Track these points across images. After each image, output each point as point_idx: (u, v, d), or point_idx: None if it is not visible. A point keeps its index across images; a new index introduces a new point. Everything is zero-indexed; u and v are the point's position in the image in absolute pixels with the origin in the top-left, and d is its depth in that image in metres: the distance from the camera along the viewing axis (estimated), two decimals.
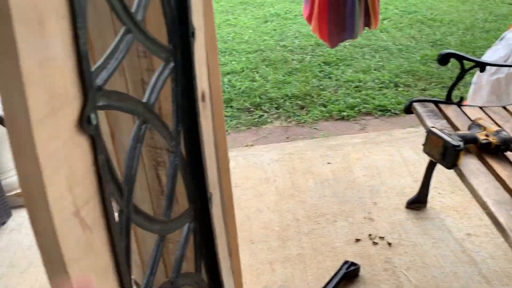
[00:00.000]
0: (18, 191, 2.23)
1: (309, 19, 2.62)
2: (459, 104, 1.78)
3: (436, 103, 1.76)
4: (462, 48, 3.79)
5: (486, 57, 2.34)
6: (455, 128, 1.57)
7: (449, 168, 1.36)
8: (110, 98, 0.52)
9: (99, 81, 0.50)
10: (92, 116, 0.46)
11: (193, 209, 0.83)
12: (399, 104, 3.03)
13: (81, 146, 0.46)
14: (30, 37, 0.38)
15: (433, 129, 1.39)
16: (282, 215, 2.05)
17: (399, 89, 3.25)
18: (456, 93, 3.07)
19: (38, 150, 0.40)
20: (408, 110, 1.77)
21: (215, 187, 0.92)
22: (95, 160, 0.48)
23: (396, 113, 2.96)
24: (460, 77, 1.73)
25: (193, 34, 0.73)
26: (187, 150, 0.80)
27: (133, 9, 0.58)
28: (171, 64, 0.71)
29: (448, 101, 1.77)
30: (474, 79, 2.43)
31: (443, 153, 1.34)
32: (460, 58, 1.70)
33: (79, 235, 0.47)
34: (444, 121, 1.62)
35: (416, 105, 1.73)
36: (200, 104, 0.81)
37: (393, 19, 4.69)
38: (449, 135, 1.36)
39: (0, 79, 0.38)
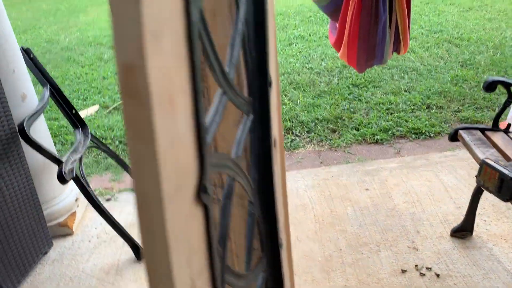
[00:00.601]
0: (59, 220, 2.26)
1: (337, 45, 2.61)
2: (507, 131, 1.74)
3: (482, 130, 1.72)
4: (493, 67, 3.74)
5: None
6: (507, 157, 1.54)
7: (506, 201, 1.32)
8: (212, 162, 0.52)
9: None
10: (208, 185, 0.46)
11: (265, 257, 0.82)
12: (433, 127, 2.99)
13: (197, 217, 0.46)
14: (164, 117, 0.38)
15: (488, 161, 1.36)
16: (323, 244, 2.02)
17: (432, 111, 3.21)
18: (491, 114, 3.02)
19: (167, 226, 0.40)
20: (454, 137, 1.74)
21: (283, 232, 0.91)
22: (207, 229, 0.48)
23: (430, 136, 2.91)
24: (507, 104, 1.70)
25: (270, 84, 0.74)
26: (260, 198, 0.80)
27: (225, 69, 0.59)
28: (251, 116, 0.71)
29: (495, 128, 1.73)
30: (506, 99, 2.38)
31: (500, 186, 1.31)
32: (507, 86, 1.67)
33: None
34: (494, 150, 1.59)
35: (462, 133, 1.70)
36: (273, 150, 0.81)
37: (419, 38, 4.67)
38: (505, 167, 1.32)
39: (134, 161, 0.38)
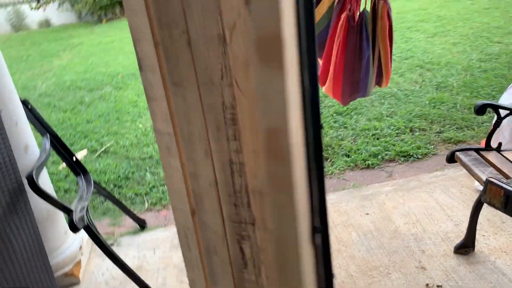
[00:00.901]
0: (65, 270, 2.22)
1: (321, 80, 2.73)
2: (498, 149, 1.87)
3: (477, 150, 1.84)
4: (466, 89, 3.97)
5: (504, 100, 2.47)
6: (505, 175, 1.65)
7: None
8: None
9: None
10: (319, 226, 0.52)
11: None
12: (419, 149, 3.13)
13: (310, 255, 0.51)
14: (297, 171, 0.45)
15: (492, 179, 1.46)
16: (334, 271, 2.06)
17: (416, 133, 3.36)
18: (472, 133, 3.19)
19: (302, 264, 0.45)
20: (451, 159, 1.85)
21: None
22: (317, 266, 0.53)
23: (418, 158, 3.05)
24: (496, 125, 1.83)
25: (322, 126, 0.81)
26: None
27: None
28: None
29: (488, 147, 1.85)
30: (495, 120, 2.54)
31: (506, 203, 1.41)
32: (496, 108, 1.81)
33: None
34: (491, 169, 1.70)
35: (459, 154, 1.81)
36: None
37: (392, 65, 4.89)
38: (508, 184, 1.43)
39: (275, 210, 0.44)
